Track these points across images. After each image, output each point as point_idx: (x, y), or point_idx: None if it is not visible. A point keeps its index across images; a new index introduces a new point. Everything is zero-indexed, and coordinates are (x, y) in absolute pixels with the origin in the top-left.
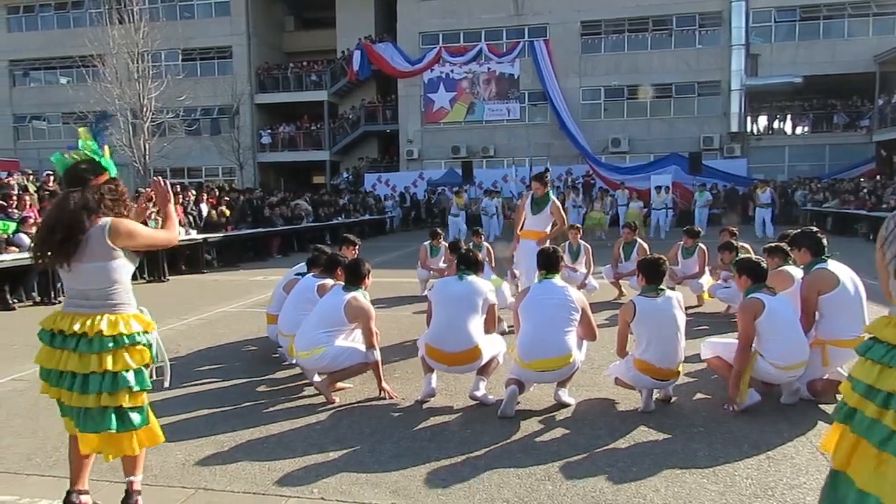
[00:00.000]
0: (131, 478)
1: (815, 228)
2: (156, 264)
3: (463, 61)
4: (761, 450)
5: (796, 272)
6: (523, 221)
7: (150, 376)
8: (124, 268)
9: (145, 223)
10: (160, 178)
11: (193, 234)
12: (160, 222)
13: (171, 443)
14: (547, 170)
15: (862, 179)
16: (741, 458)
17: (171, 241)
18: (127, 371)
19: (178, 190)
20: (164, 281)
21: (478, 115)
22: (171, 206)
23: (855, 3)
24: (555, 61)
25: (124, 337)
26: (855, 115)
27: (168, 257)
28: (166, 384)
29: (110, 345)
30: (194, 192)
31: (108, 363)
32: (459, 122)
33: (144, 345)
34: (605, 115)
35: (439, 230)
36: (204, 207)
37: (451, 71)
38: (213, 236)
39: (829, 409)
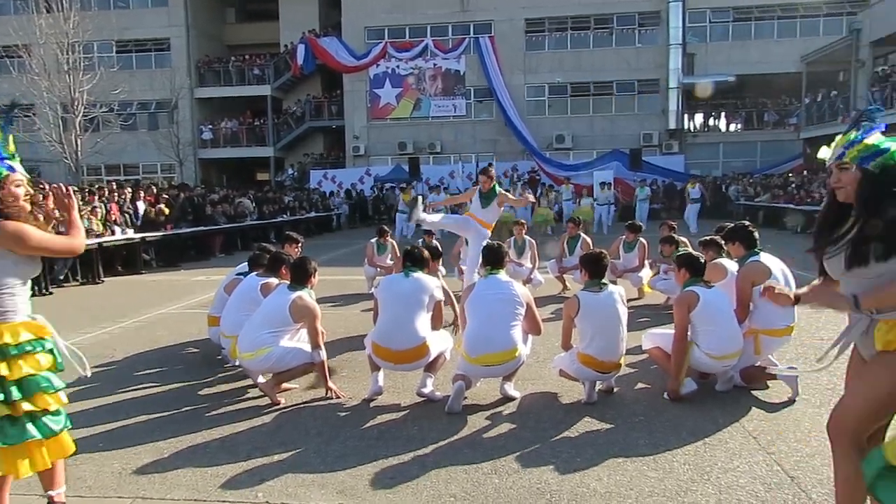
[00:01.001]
0: (51, 492)
1: (748, 223)
2: (89, 265)
3: (409, 57)
4: (698, 436)
5: (730, 265)
6: (468, 213)
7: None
8: (12, 273)
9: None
10: (61, 184)
11: (130, 234)
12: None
13: (106, 451)
14: (490, 164)
15: (790, 175)
16: (679, 445)
17: (73, 249)
18: (32, 377)
19: (115, 187)
20: (98, 283)
21: (424, 112)
22: (76, 213)
23: (784, 6)
24: (500, 58)
25: (10, 348)
26: (784, 113)
27: (103, 258)
28: (87, 374)
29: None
30: (130, 189)
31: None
32: (406, 118)
33: (41, 351)
34: (550, 111)
35: (386, 227)
36: (141, 205)
37: (397, 66)
38: (151, 235)
39: (760, 395)
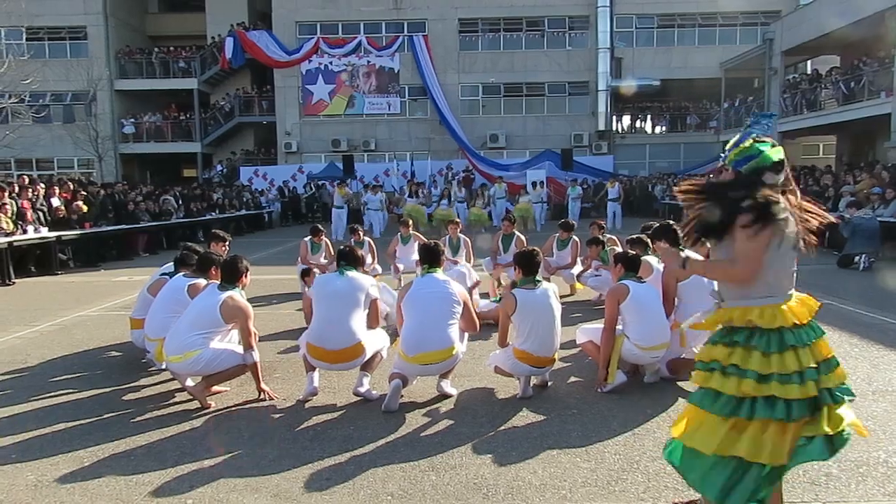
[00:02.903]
0: None
1: (672, 222)
2: None
3: (342, 53)
4: (628, 427)
5: (656, 262)
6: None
7: None
8: None
9: None
10: None
11: (44, 232)
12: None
13: (20, 463)
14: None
15: (711, 176)
16: (610, 437)
17: None
18: None
19: (26, 182)
20: (9, 284)
21: (358, 109)
22: None
23: (704, 14)
24: (434, 57)
25: None
26: (705, 116)
27: (14, 258)
28: None
29: None
30: (44, 185)
31: None
32: (339, 115)
33: None
34: (483, 111)
35: (321, 227)
36: (56, 202)
37: (330, 63)
38: (68, 234)
39: (686, 385)
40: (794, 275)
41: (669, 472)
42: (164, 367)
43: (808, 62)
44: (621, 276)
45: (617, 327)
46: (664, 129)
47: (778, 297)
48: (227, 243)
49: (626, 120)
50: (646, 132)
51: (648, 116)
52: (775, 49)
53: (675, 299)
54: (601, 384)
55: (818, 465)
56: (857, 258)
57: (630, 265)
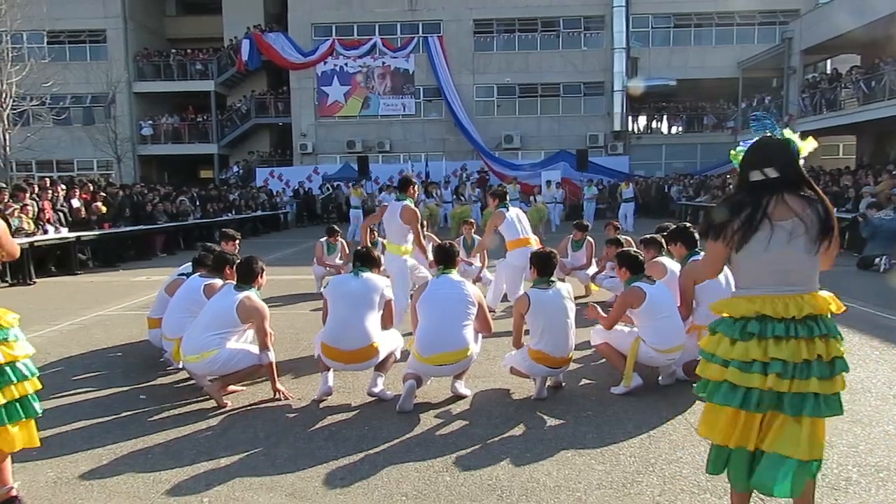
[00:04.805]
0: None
1: (689, 224)
2: (20, 266)
3: (357, 55)
4: (643, 429)
5: (670, 263)
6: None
7: None
8: None
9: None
10: None
11: (64, 233)
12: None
13: (40, 460)
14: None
15: (728, 176)
16: (625, 438)
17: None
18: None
19: (47, 184)
20: (30, 284)
21: (373, 110)
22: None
23: (721, 13)
24: (448, 58)
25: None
26: (722, 116)
27: (35, 258)
28: None
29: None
30: (64, 186)
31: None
32: (354, 116)
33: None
34: (499, 112)
35: (336, 227)
36: (76, 203)
37: (346, 64)
38: (87, 234)
39: None
40: None
41: (685, 475)
42: (181, 366)
43: (828, 61)
44: (630, 279)
45: (633, 330)
46: (680, 129)
47: None
48: (237, 241)
49: (642, 120)
50: (662, 132)
51: (664, 117)
52: (794, 48)
53: (693, 302)
54: (617, 381)
55: (838, 469)
56: (877, 259)
57: (635, 267)
